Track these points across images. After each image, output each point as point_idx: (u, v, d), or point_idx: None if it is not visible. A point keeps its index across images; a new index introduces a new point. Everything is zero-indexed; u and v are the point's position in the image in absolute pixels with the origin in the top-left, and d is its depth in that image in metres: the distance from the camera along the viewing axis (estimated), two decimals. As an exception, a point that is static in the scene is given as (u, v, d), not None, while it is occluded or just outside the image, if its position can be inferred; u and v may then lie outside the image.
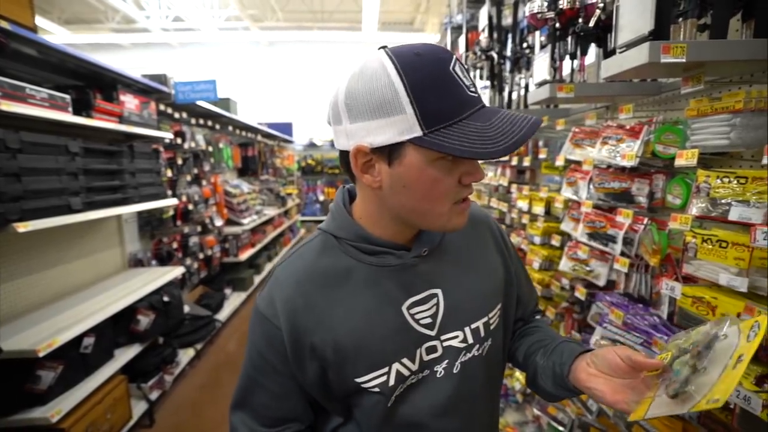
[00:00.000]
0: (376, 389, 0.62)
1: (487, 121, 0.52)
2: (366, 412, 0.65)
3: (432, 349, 0.64)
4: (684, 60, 0.81)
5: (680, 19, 0.88)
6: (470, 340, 0.66)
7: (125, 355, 2.32)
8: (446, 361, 0.65)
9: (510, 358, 0.80)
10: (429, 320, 0.64)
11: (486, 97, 2.11)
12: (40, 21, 6.92)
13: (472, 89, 0.54)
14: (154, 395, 2.56)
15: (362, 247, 0.63)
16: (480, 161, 0.56)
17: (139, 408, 2.42)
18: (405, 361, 0.63)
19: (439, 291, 0.65)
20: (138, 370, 2.51)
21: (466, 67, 0.57)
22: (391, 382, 0.62)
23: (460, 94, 0.52)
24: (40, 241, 2.10)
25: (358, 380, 0.62)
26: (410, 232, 0.65)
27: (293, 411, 0.67)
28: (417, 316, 0.64)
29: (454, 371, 0.65)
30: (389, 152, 0.54)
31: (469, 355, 0.67)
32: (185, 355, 3.07)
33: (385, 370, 0.62)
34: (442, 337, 0.65)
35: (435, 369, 0.65)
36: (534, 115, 1.99)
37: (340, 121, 0.57)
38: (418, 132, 0.51)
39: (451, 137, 0.51)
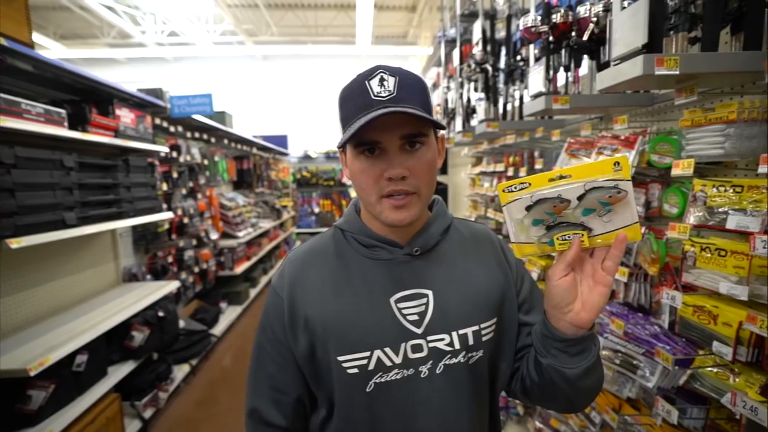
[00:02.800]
0: (355, 370, 0.65)
1: (368, 115, 0.60)
2: (348, 399, 0.67)
3: (418, 348, 0.66)
4: (677, 72, 0.83)
5: (671, 33, 0.90)
6: (456, 346, 0.67)
7: (119, 372, 2.26)
8: (431, 362, 0.67)
9: (522, 380, 0.74)
10: (416, 317, 0.67)
11: (481, 108, 2.14)
12: (36, 37, 6.92)
13: (382, 95, 0.62)
14: (148, 413, 2.49)
15: (362, 239, 0.71)
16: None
17: (132, 427, 2.36)
18: (387, 350, 0.65)
19: (429, 292, 0.68)
20: (132, 388, 2.45)
21: (390, 77, 0.63)
22: (371, 366, 0.65)
23: (364, 99, 0.62)
24: (33, 256, 2.07)
25: (340, 359, 0.66)
26: (396, 229, 0.70)
27: (291, 383, 0.72)
28: (404, 311, 0.67)
29: (437, 371, 0.67)
30: (344, 149, 0.69)
31: (454, 360, 0.67)
32: (180, 372, 3.01)
33: (367, 354, 0.65)
34: (429, 338, 0.67)
35: (420, 369, 0.67)
36: (529, 126, 1.99)
37: None
38: (341, 134, 0.65)
39: (347, 133, 0.63)
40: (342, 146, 0.68)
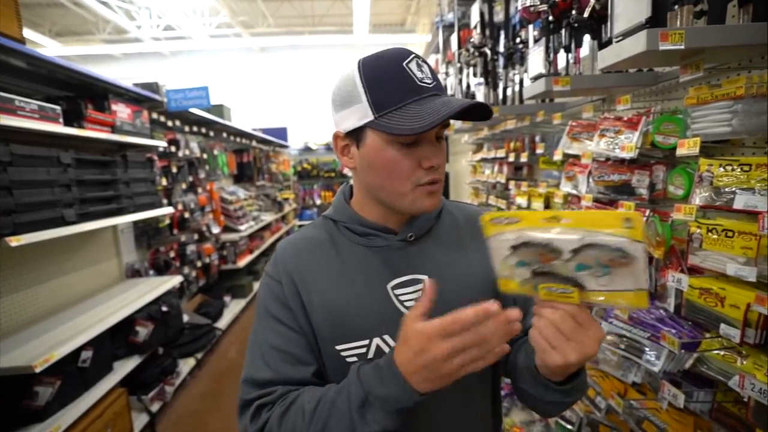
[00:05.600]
0: (354, 359, 0.64)
1: (426, 104, 0.58)
2: None
3: None
4: (682, 47, 0.79)
5: (676, 6, 0.87)
6: None
7: (125, 367, 2.28)
8: None
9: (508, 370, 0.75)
10: (413, 303, 0.64)
11: (480, 93, 2.10)
12: (31, 34, 6.89)
13: (426, 81, 0.60)
14: (155, 407, 2.52)
15: (354, 228, 0.69)
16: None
17: (140, 421, 2.39)
18: (387, 338, 0.64)
19: (425, 277, 0.67)
20: (138, 382, 2.47)
21: (424, 63, 0.62)
22: (370, 355, 0.64)
23: (409, 84, 0.59)
24: (34, 254, 2.07)
25: (338, 348, 0.65)
26: (397, 216, 0.69)
27: (289, 370, 0.66)
28: (402, 298, 0.66)
29: None
30: (357, 136, 0.64)
31: None
32: (186, 365, 3.03)
33: (365, 342, 0.64)
34: None
35: None
36: (529, 110, 1.95)
37: (333, 114, 0.67)
38: (370, 117, 0.60)
39: (393, 119, 0.58)
40: (353, 132, 0.63)
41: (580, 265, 0.47)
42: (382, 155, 0.61)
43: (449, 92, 2.95)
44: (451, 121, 2.37)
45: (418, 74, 0.60)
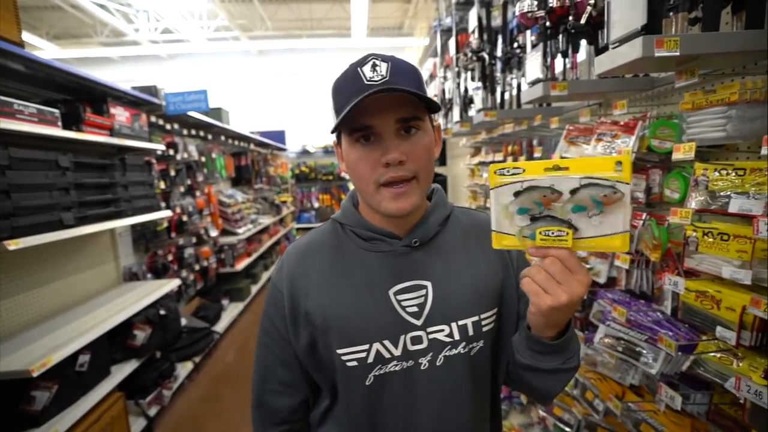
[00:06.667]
0: (354, 363, 0.65)
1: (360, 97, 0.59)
2: (347, 391, 0.68)
3: (417, 340, 0.66)
4: (678, 53, 0.81)
5: (671, 13, 0.88)
6: (456, 336, 0.67)
7: (122, 371, 2.27)
8: (431, 354, 0.67)
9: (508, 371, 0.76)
10: (415, 309, 0.67)
11: (478, 97, 2.11)
12: (28, 37, 6.88)
13: (375, 79, 0.60)
14: (152, 411, 2.50)
15: (360, 232, 0.70)
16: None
17: (137, 425, 2.37)
18: (386, 343, 0.65)
19: (428, 283, 0.68)
20: (136, 386, 2.46)
21: (383, 63, 0.61)
22: (370, 359, 0.65)
23: (357, 85, 0.60)
24: (32, 258, 2.06)
25: (339, 351, 0.66)
26: (399, 221, 0.69)
27: (293, 377, 0.72)
28: (403, 303, 0.67)
29: (438, 363, 0.67)
30: (339, 143, 0.68)
31: (454, 351, 0.67)
32: (183, 369, 3.02)
33: (365, 347, 0.65)
34: (428, 329, 0.67)
35: (420, 361, 0.66)
36: (527, 114, 1.96)
37: None
38: (335, 122, 0.64)
39: (341, 116, 0.61)
40: (337, 138, 0.68)
41: (576, 206, 0.52)
42: (350, 156, 0.64)
43: (447, 96, 2.96)
44: (450, 125, 2.38)
45: (368, 74, 0.60)
